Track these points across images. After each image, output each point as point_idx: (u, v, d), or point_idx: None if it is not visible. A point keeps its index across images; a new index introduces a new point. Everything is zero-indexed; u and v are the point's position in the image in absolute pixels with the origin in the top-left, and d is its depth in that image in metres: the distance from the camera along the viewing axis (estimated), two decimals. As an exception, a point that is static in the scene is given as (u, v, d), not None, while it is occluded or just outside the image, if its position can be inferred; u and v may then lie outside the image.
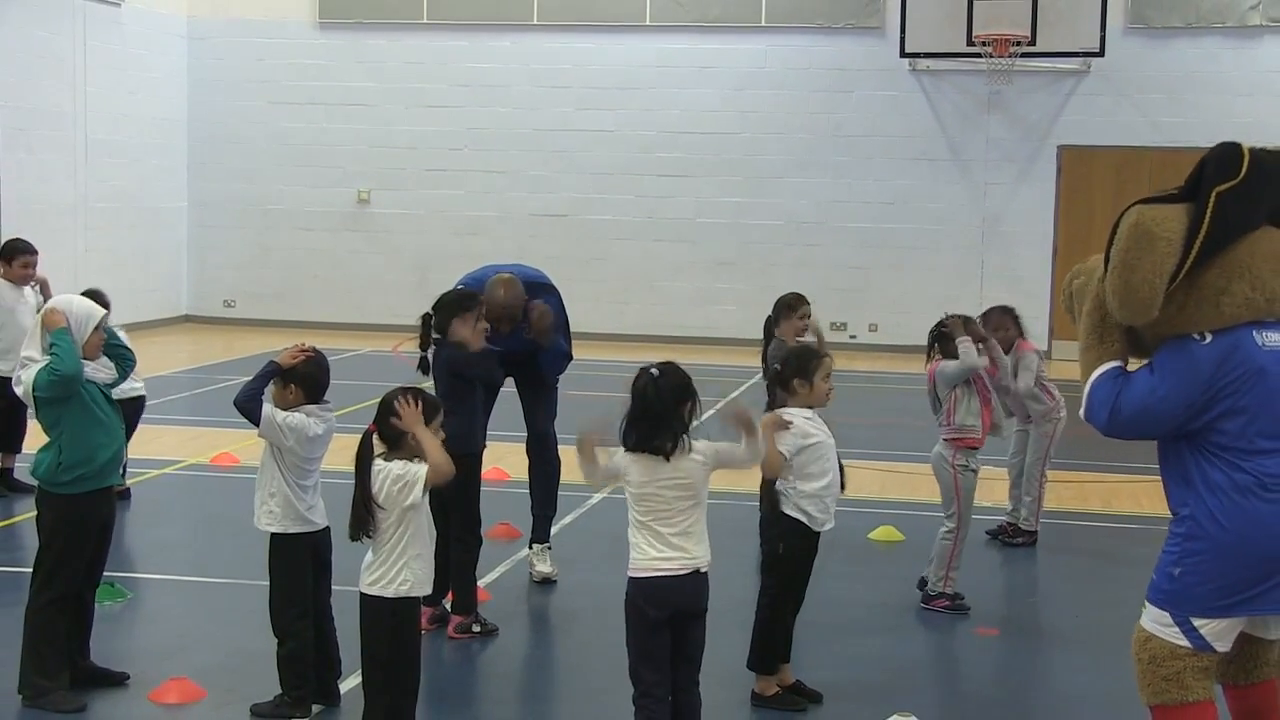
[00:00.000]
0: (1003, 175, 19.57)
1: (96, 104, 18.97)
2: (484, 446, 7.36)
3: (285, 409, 5.77)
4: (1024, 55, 18.42)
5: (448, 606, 6.88)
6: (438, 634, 6.75)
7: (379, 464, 5.17)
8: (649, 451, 5.02)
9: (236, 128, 20.98)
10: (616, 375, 17.15)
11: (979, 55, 18.48)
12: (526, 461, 8.09)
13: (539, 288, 7.73)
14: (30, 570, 5.96)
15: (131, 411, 9.55)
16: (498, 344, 7.15)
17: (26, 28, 17.67)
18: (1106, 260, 4.37)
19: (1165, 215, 4.22)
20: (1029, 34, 18.20)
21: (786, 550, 6.04)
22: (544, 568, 7.84)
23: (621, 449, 5.09)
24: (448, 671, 6.47)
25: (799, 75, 19.84)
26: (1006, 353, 8.66)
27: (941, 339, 7.73)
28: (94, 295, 9.74)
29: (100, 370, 5.99)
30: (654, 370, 5.09)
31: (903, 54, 18.90)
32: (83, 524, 5.86)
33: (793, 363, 6.08)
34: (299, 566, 5.74)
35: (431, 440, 5.13)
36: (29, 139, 17.69)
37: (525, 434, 8.05)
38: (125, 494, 9.55)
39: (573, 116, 20.24)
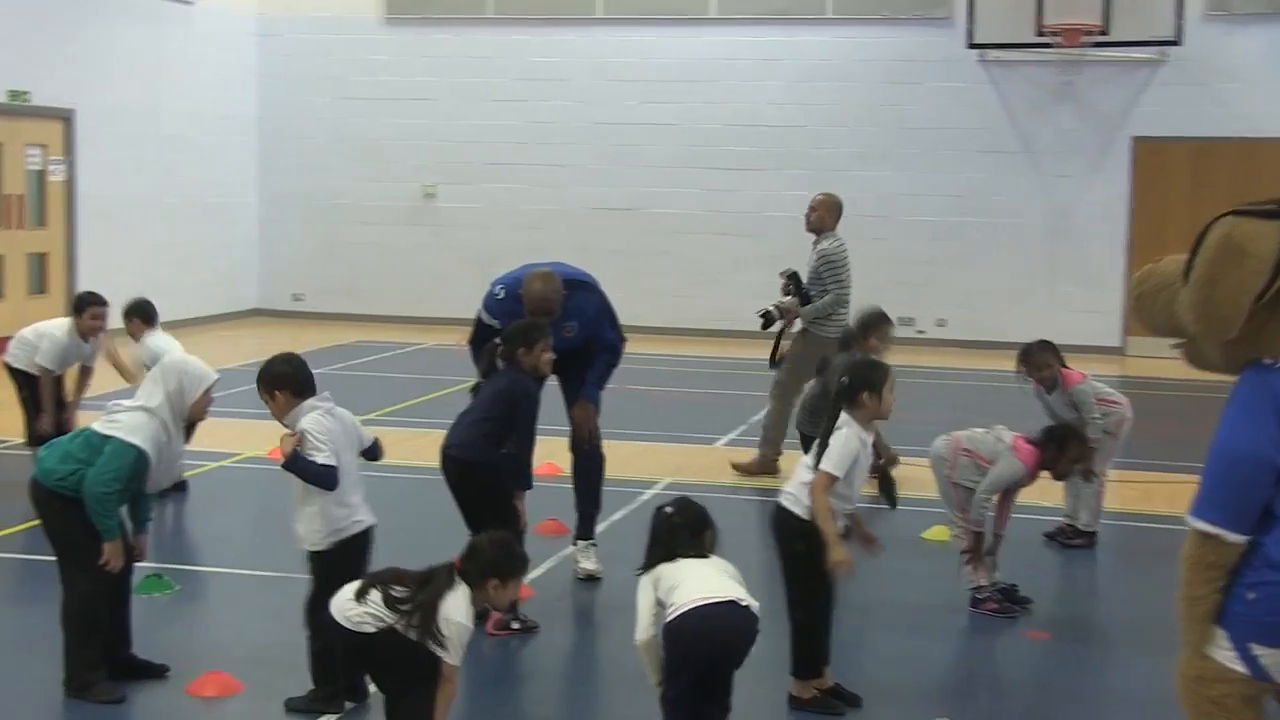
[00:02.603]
0: (1073, 168, 19.29)
1: (169, 101, 19.16)
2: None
3: (285, 420, 5.70)
4: (1096, 45, 18.16)
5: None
6: (477, 630, 6.70)
7: (457, 594, 5.00)
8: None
9: (305, 123, 21.12)
10: (679, 370, 17.27)
11: (1049, 45, 18.24)
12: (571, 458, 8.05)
13: (576, 284, 7.69)
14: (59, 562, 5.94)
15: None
16: None
17: (100, 27, 17.87)
18: (1187, 270, 4.11)
19: (1259, 231, 3.91)
20: (1101, 23, 17.93)
21: (808, 550, 5.93)
22: (588, 565, 7.80)
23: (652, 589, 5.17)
24: (485, 668, 6.44)
25: (864, 67, 19.68)
26: (1050, 391, 8.53)
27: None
28: (143, 306, 9.88)
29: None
30: (668, 509, 5.26)
31: (970, 45, 18.68)
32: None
33: (861, 375, 5.91)
34: (340, 571, 5.65)
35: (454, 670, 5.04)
36: (103, 136, 17.89)
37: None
38: (183, 486, 9.62)
39: (636, 110, 20.20)
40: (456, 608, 4.96)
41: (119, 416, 5.80)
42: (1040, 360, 8.62)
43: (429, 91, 20.77)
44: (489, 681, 6.35)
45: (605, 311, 7.85)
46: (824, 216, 11.22)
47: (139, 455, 5.71)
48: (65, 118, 17.33)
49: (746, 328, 19.77)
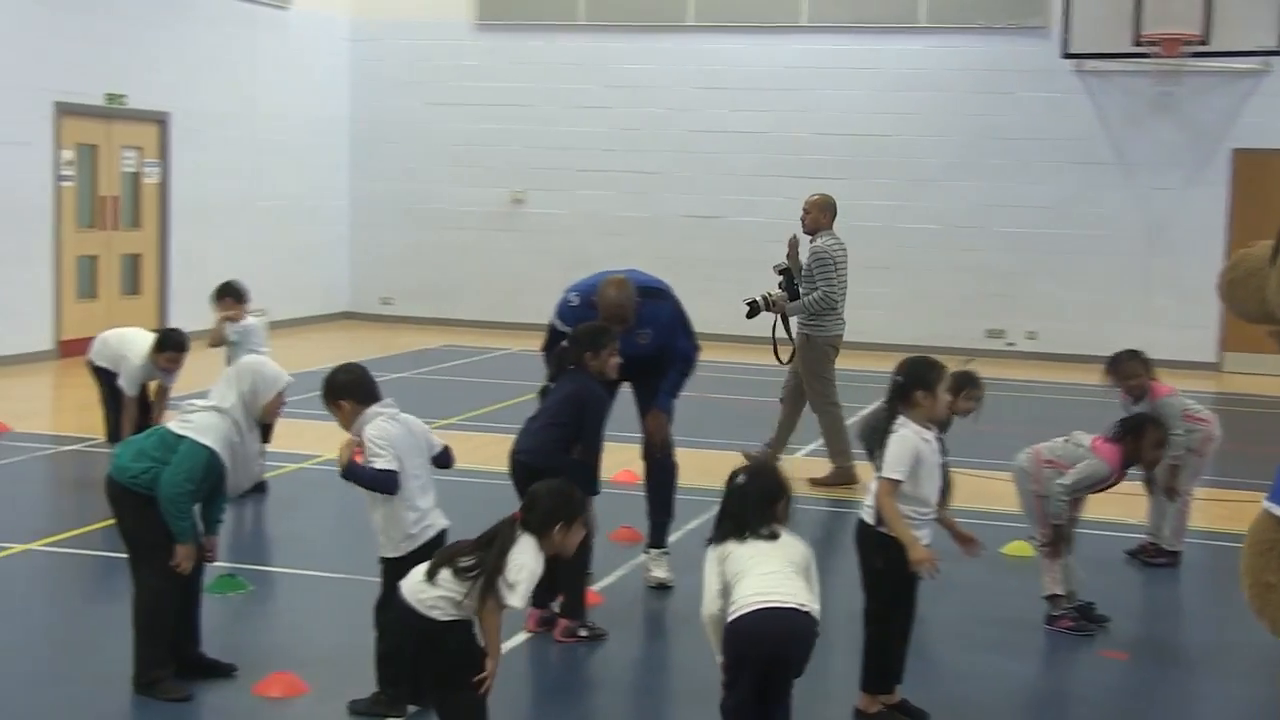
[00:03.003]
0: (1171, 180, 18.95)
1: (262, 104, 19.38)
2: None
3: (351, 429, 5.72)
4: (1195, 55, 17.82)
5: (556, 609, 6.81)
6: (544, 637, 6.71)
7: (523, 541, 4.95)
8: (735, 539, 5.01)
9: (396, 128, 21.28)
10: (763, 380, 17.12)
11: (1146, 55, 17.93)
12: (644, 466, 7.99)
13: (651, 292, 7.64)
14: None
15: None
16: None
17: (195, 32, 18.12)
18: (1275, 253, 4.04)
19: None
20: (1201, 33, 17.59)
21: (887, 565, 5.84)
22: (659, 573, 7.75)
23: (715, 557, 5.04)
24: (550, 675, 6.41)
25: (957, 76, 19.47)
26: (1138, 401, 8.36)
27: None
28: (231, 287, 10.02)
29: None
30: (741, 477, 5.12)
31: (1065, 54, 18.42)
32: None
33: (915, 373, 5.81)
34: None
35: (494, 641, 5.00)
36: (198, 139, 18.13)
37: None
38: (262, 487, 9.69)
39: (726, 118, 20.13)
40: (525, 551, 4.91)
41: (192, 417, 5.85)
42: (1128, 370, 8.46)
43: (519, 97, 20.84)
44: (554, 689, 6.32)
45: (679, 319, 7.81)
46: (818, 217, 11.24)
47: (211, 456, 5.76)
48: (160, 120, 17.57)
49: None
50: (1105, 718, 6.34)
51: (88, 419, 10.79)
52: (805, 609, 4.92)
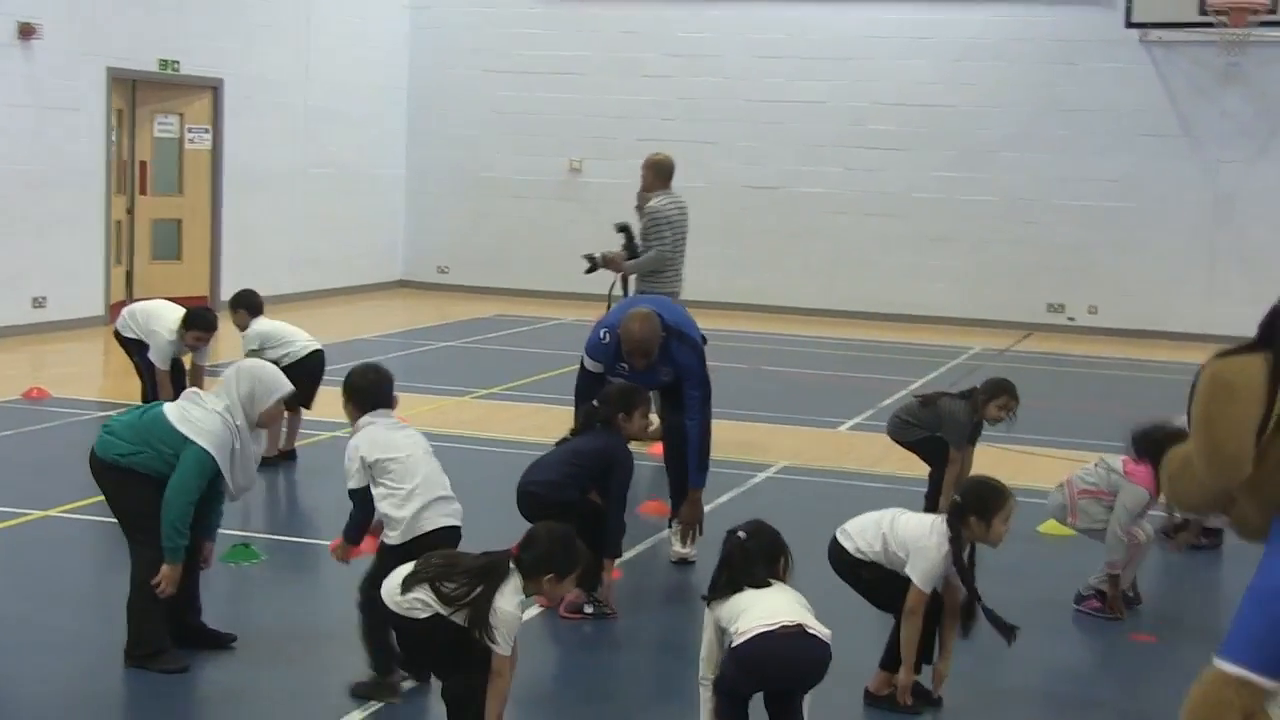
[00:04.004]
0: (1238, 152, 18.50)
1: (319, 72, 19.34)
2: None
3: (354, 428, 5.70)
4: (1263, 24, 17.37)
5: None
6: (550, 612, 6.57)
7: (509, 588, 4.86)
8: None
9: (455, 96, 21.19)
10: (816, 352, 16.95)
11: (1213, 25, 17.49)
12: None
13: (677, 334, 7.41)
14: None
15: (310, 373, 9.64)
16: (633, 380, 7.12)
17: (251, -2, 18.11)
18: (1189, 422, 4.07)
19: (1243, 365, 3.97)
20: (1269, 2, 17.15)
21: (872, 574, 5.67)
22: (681, 548, 7.60)
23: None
24: (550, 653, 6.28)
25: (1020, 46, 19.10)
26: None
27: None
28: (247, 297, 9.90)
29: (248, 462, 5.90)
30: (741, 533, 5.00)
31: (1129, 24, 18.01)
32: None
33: (973, 499, 5.54)
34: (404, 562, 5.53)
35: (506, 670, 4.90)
36: (252, 106, 18.13)
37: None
38: (291, 455, 9.64)
39: (785, 87, 19.87)
40: (508, 598, 4.84)
41: (195, 414, 5.73)
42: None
43: (579, 66, 20.68)
44: (552, 668, 6.18)
45: (700, 368, 7.53)
46: (648, 176, 11.25)
47: (207, 459, 5.66)
48: (214, 87, 17.57)
49: (891, 310, 19.49)
50: (1129, 702, 6.14)
51: (128, 385, 10.77)
52: (813, 630, 4.79)
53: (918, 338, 17.87)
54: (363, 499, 5.61)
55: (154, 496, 5.68)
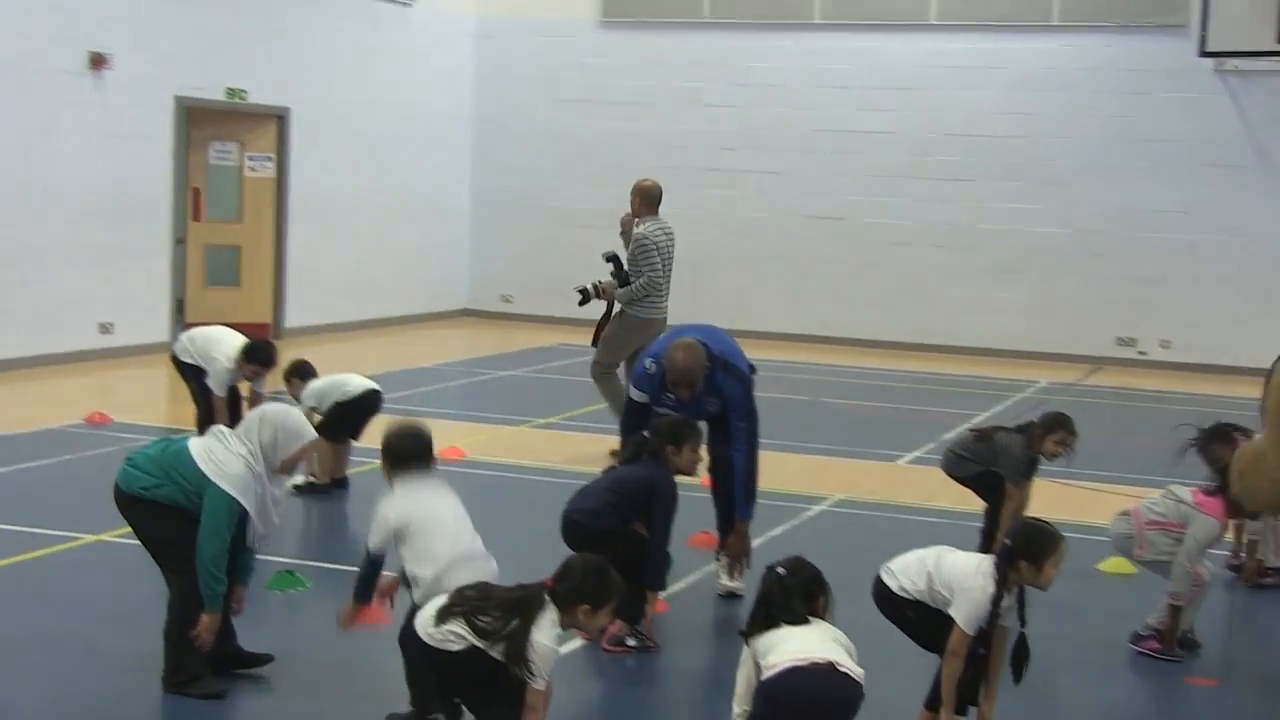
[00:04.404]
0: (1314, 183, 18.18)
1: (383, 100, 19.44)
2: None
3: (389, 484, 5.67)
4: (1342, 54, 17.07)
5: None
6: (591, 644, 6.47)
7: (545, 620, 4.84)
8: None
9: (519, 124, 21.22)
10: (877, 384, 16.76)
11: (1289, 54, 17.20)
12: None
13: (724, 364, 7.31)
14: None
15: (363, 409, 9.64)
16: (679, 410, 7.04)
17: (316, 28, 18.22)
18: (1262, 413, 3.95)
19: None
20: (1350, 31, 16.83)
21: (916, 613, 5.53)
22: (729, 581, 7.49)
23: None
24: (592, 687, 6.19)
25: (1090, 76, 18.87)
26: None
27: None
28: (301, 367, 9.88)
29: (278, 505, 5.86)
30: (780, 569, 4.93)
31: (1203, 53, 17.72)
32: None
33: (1023, 543, 5.36)
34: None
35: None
36: (317, 133, 18.24)
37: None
38: (343, 483, 9.61)
39: (851, 117, 19.74)
40: (544, 630, 4.80)
41: (219, 454, 5.69)
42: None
43: (643, 95, 20.66)
44: (593, 702, 6.09)
45: (747, 400, 7.41)
46: (634, 204, 11.38)
47: (233, 503, 5.63)
48: (280, 115, 17.69)
49: (955, 342, 19.27)
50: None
51: (189, 411, 10.81)
52: (844, 668, 4.67)
53: (982, 370, 17.65)
54: (374, 559, 5.58)
55: (181, 526, 5.65)
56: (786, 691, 4.65)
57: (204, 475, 5.63)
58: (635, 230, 11.22)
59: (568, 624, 4.90)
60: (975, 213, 19.41)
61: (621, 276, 11.14)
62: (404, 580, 5.54)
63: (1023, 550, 5.34)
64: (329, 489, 9.49)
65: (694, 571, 7.85)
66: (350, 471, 9.73)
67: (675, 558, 7.30)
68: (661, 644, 6.62)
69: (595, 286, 11.20)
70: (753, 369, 7.58)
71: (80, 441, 10.83)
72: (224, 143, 17.46)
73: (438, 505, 5.57)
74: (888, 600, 5.58)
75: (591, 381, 11.50)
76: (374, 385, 9.78)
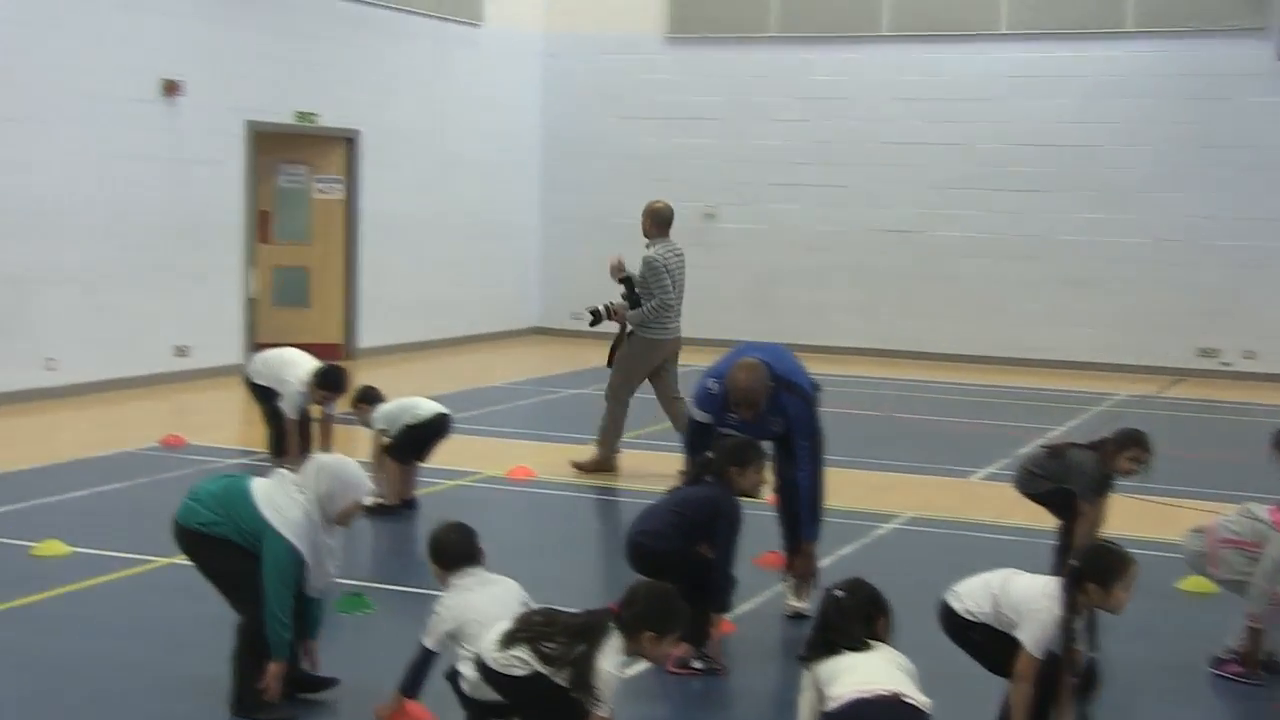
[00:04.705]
0: (1400, 188, 17.83)
1: (453, 120, 19.53)
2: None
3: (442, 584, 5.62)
4: None
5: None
6: (654, 669, 6.39)
7: (610, 646, 4.84)
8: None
9: (588, 142, 21.24)
10: (951, 399, 16.58)
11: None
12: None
13: (788, 385, 7.24)
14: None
15: (431, 432, 9.66)
16: (743, 430, 6.98)
17: (385, 50, 18.33)
18: None
19: None
20: None
21: (984, 636, 5.45)
22: (796, 602, 7.41)
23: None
24: (656, 711, 6.13)
25: (1166, 82, 18.60)
26: None
27: None
28: (368, 393, 9.89)
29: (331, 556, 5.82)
30: (839, 592, 4.86)
31: (1283, 56, 17.47)
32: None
33: (1092, 565, 5.27)
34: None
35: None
36: (386, 155, 18.34)
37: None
38: (412, 504, 9.62)
39: (921, 129, 19.59)
40: (609, 657, 4.80)
41: (279, 500, 5.68)
42: None
43: (711, 110, 20.62)
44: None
45: (810, 419, 7.35)
46: (645, 226, 11.52)
47: (293, 551, 5.62)
48: (349, 138, 17.81)
49: (1030, 355, 19.05)
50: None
51: (259, 433, 10.89)
52: (910, 699, 4.57)
53: (1058, 384, 17.43)
54: (427, 658, 5.52)
55: (241, 557, 5.66)
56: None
57: (264, 520, 5.62)
58: (646, 253, 11.31)
59: (632, 651, 4.88)
60: (1049, 224, 19.20)
61: (633, 298, 11.20)
62: (452, 675, 5.43)
63: (1091, 572, 5.23)
64: (398, 510, 9.51)
65: (761, 592, 7.78)
66: (418, 493, 9.75)
67: (742, 578, 7.25)
68: (728, 666, 6.56)
69: (607, 308, 11.26)
70: (816, 387, 7.50)
71: (155, 464, 10.93)
72: (293, 165, 17.61)
73: (490, 607, 5.41)
74: (954, 624, 5.49)
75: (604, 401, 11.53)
76: (443, 409, 9.80)
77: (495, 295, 20.68)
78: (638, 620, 4.85)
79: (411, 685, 5.59)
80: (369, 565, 8.50)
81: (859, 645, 4.76)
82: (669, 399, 11.46)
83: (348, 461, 5.95)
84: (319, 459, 5.95)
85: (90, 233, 14.50)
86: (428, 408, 9.74)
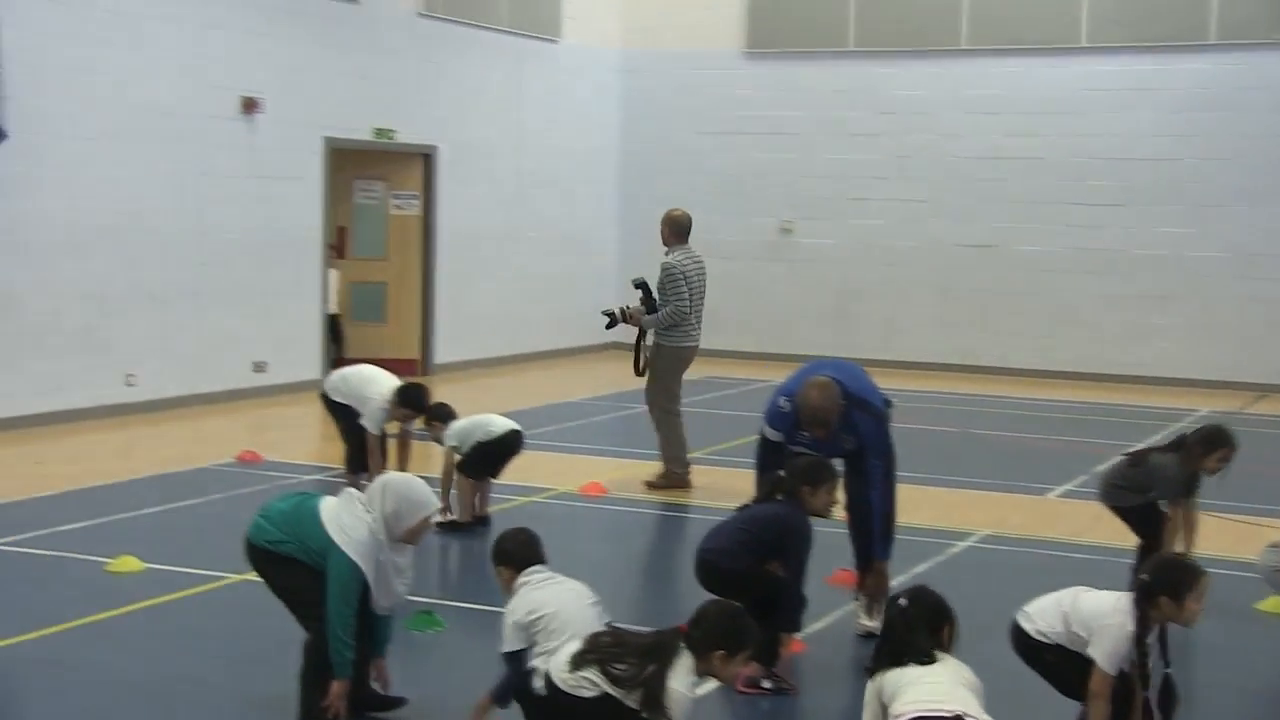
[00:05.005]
0: None
1: (530, 136, 19.60)
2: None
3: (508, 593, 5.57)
4: None
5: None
6: (724, 689, 6.34)
7: (681, 666, 4.82)
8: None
9: (665, 157, 21.23)
10: (1031, 415, 16.38)
11: None
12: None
13: (860, 403, 7.17)
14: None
15: (504, 449, 9.68)
16: (814, 448, 6.95)
17: (465, 66, 18.43)
18: None
19: None
20: None
21: (1058, 657, 5.37)
22: (868, 621, 7.33)
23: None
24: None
25: (1251, 95, 18.32)
26: None
27: None
28: (440, 410, 9.92)
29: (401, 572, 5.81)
30: (902, 601, 4.80)
31: (1370, 67, 17.15)
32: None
33: (1162, 578, 5.17)
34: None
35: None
36: (464, 171, 18.44)
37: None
38: (485, 520, 9.63)
39: (1000, 143, 19.42)
40: (680, 677, 4.78)
41: (345, 520, 5.67)
42: None
43: (788, 126, 20.56)
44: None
45: (882, 437, 7.30)
46: (664, 234, 11.68)
47: (356, 569, 5.61)
48: (427, 154, 17.91)
49: (1111, 370, 18.80)
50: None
51: (336, 449, 10.94)
52: (973, 718, 4.50)
53: (1138, 399, 17.19)
54: (517, 661, 5.43)
55: (308, 575, 5.68)
56: None
57: (329, 539, 5.63)
58: (665, 260, 11.48)
59: (703, 670, 4.86)
60: (1130, 238, 18.96)
61: (650, 304, 11.32)
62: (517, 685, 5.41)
63: (1162, 585, 5.14)
64: (471, 527, 9.51)
65: (833, 611, 7.71)
66: (491, 509, 9.76)
67: (814, 596, 7.18)
68: (799, 685, 6.50)
69: (623, 311, 11.39)
70: (888, 404, 7.43)
71: (231, 480, 11.02)
72: (368, 181, 17.74)
73: (559, 599, 5.42)
74: (1026, 645, 5.40)
75: (652, 417, 11.59)
76: (515, 425, 9.81)
77: (572, 311, 20.69)
78: (707, 639, 4.83)
79: (503, 693, 5.49)
80: (440, 582, 8.51)
81: (925, 658, 4.69)
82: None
83: (414, 480, 5.93)
84: (385, 478, 5.95)
85: (169, 249, 14.67)
86: (500, 424, 9.75)
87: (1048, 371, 19.09)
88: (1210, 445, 7.75)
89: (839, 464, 7.13)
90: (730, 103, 20.85)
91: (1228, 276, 18.56)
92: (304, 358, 16.22)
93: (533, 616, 5.38)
